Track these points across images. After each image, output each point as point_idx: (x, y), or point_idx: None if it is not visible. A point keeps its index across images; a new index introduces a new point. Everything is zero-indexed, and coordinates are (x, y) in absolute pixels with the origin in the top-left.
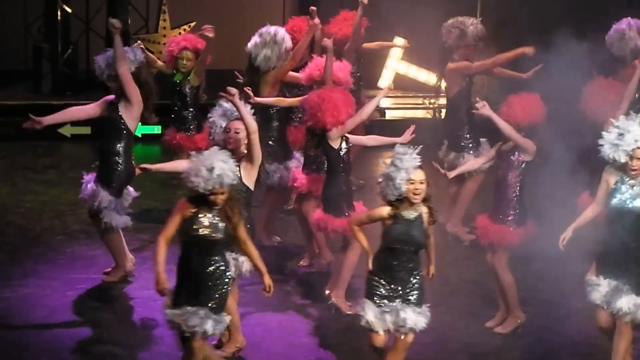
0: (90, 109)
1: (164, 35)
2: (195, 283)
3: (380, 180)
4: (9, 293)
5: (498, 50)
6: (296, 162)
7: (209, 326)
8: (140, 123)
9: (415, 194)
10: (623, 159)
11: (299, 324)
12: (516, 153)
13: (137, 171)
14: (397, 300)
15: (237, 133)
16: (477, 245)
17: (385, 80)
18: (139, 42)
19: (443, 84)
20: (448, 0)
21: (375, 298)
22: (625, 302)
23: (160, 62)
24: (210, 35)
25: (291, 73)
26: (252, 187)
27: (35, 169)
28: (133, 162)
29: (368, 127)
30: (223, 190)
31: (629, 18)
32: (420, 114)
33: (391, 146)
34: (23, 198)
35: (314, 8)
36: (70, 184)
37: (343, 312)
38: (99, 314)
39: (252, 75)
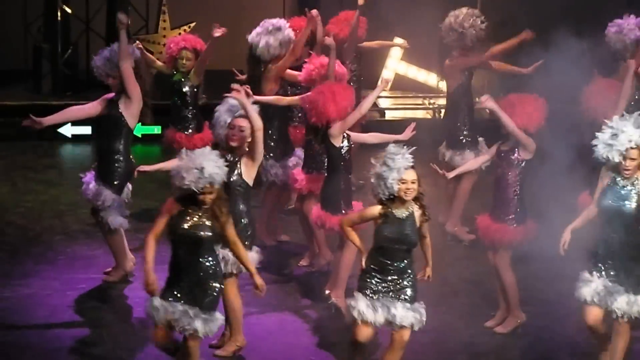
0: (90, 108)
1: (164, 36)
2: (185, 282)
3: (371, 179)
4: (9, 293)
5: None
6: (296, 159)
7: (198, 325)
8: (140, 124)
9: (406, 194)
10: (616, 158)
11: (299, 324)
12: (516, 152)
13: (136, 174)
14: (389, 295)
15: (242, 131)
16: (476, 245)
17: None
18: (137, 42)
19: (443, 84)
20: (447, 0)
21: (366, 291)
22: (621, 303)
23: (159, 62)
24: (218, 34)
25: (292, 72)
26: (250, 184)
27: (35, 169)
28: (132, 159)
29: (365, 127)
30: (212, 190)
31: (630, 15)
32: (420, 114)
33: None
34: (23, 198)
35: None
36: (70, 184)
37: (343, 311)
38: (99, 314)
39: (253, 68)
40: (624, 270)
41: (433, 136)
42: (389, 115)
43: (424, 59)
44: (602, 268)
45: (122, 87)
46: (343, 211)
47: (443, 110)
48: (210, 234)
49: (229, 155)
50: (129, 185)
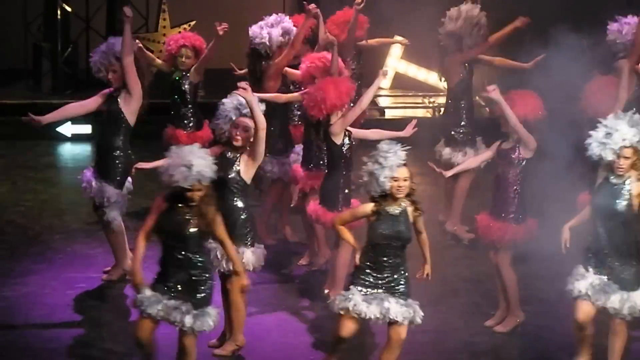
0: (89, 103)
1: (164, 35)
2: (175, 279)
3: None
4: (9, 292)
5: (497, 50)
6: (295, 156)
7: (189, 320)
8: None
9: (398, 191)
10: (610, 157)
11: (298, 323)
12: (517, 151)
13: (133, 170)
14: (382, 290)
15: (246, 131)
16: (476, 244)
17: (387, 78)
18: (137, 41)
19: (444, 83)
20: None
21: (360, 287)
22: (615, 300)
23: (159, 61)
24: (221, 33)
25: (294, 71)
26: (248, 182)
27: (35, 168)
28: (132, 155)
29: (365, 126)
30: (201, 187)
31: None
32: (419, 112)
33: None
34: (23, 197)
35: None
36: (70, 183)
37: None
38: (99, 313)
39: (254, 64)
40: (616, 267)
41: (433, 135)
42: (389, 113)
43: (423, 58)
44: (596, 264)
45: (123, 81)
46: (340, 208)
47: (442, 109)
48: (197, 230)
49: (229, 151)
50: (130, 180)
